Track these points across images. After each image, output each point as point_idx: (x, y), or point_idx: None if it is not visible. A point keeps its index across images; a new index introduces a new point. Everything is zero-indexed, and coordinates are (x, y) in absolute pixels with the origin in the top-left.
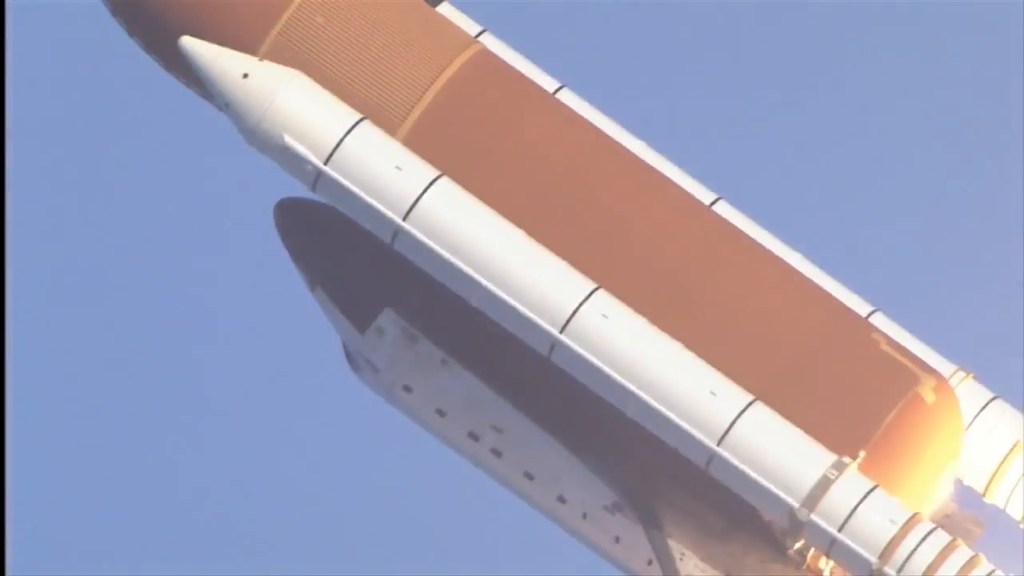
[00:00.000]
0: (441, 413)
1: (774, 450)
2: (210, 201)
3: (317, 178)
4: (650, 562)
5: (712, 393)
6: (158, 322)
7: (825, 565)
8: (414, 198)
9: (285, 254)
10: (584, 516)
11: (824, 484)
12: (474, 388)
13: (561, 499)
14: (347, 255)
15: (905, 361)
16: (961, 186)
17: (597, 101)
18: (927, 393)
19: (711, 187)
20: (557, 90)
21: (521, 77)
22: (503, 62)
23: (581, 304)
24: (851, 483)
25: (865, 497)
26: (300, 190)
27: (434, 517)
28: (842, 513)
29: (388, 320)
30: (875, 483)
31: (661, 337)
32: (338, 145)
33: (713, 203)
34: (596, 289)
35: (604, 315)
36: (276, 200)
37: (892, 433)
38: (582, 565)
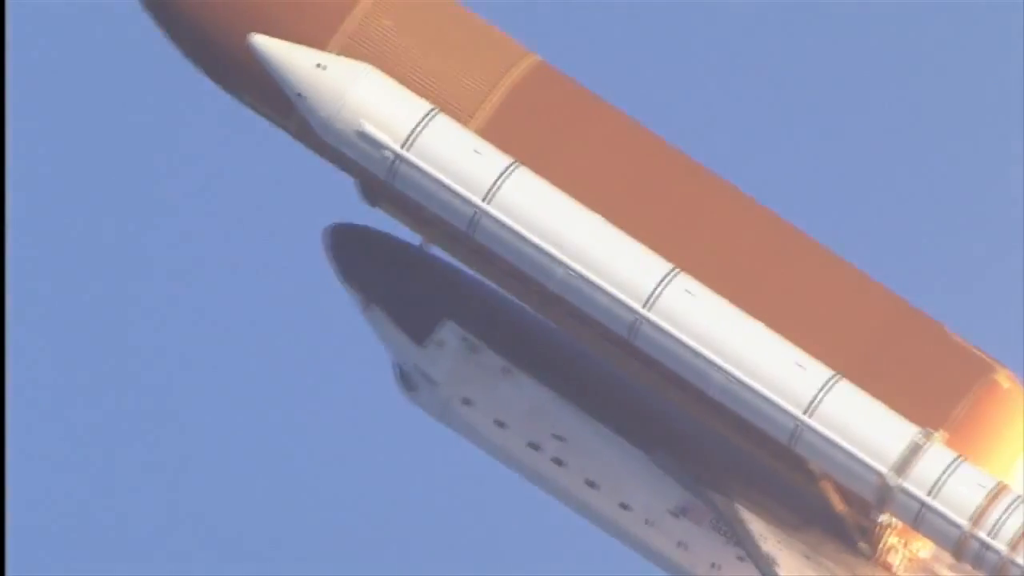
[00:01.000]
0: (501, 424)
1: (862, 420)
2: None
3: (395, 164)
4: (714, 565)
5: (799, 366)
6: (182, 341)
7: (896, 557)
8: (495, 179)
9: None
10: (648, 522)
11: (914, 450)
12: (536, 396)
13: (624, 506)
14: (401, 273)
15: (978, 351)
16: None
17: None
18: (1003, 379)
19: None
20: None
21: (578, 85)
22: (559, 72)
23: (666, 282)
24: (940, 451)
25: (953, 464)
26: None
27: (476, 530)
28: (932, 478)
29: (448, 331)
30: (961, 454)
31: (745, 315)
32: (416, 130)
33: None
34: (677, 269)
35: (689, 291)
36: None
37: (972, 414)
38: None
